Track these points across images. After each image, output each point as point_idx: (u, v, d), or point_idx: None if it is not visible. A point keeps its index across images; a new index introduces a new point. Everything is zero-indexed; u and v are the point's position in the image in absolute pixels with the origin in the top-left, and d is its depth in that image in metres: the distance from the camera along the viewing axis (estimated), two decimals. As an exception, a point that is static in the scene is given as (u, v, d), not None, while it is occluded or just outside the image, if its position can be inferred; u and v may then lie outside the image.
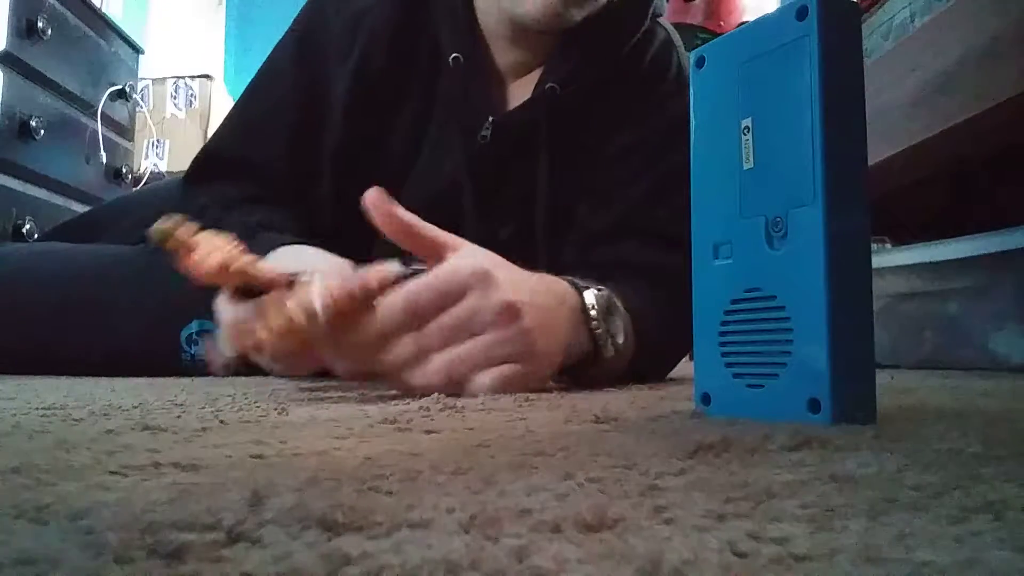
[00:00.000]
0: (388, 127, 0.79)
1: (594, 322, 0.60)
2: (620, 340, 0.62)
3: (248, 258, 0.53)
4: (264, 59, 0.86)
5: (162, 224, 0.51)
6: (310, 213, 0.78)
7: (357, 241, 0.70)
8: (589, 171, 0.78)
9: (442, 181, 0.77)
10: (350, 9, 0.80)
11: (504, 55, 0.78)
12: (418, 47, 0.78)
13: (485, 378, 0.51)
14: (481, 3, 0.78)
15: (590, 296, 0.61)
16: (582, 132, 0.78)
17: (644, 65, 0.79)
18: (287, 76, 0.82)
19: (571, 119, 0.77)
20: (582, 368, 0.62)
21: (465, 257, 0.54)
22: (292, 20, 0.86)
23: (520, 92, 0.78)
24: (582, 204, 0.77)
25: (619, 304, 0.63)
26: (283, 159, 0.80)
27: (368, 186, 0.60)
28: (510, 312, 0.52)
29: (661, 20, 0.83)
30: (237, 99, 0.87)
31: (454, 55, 0.75)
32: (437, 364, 0.50)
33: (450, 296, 0.51)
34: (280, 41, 0.85)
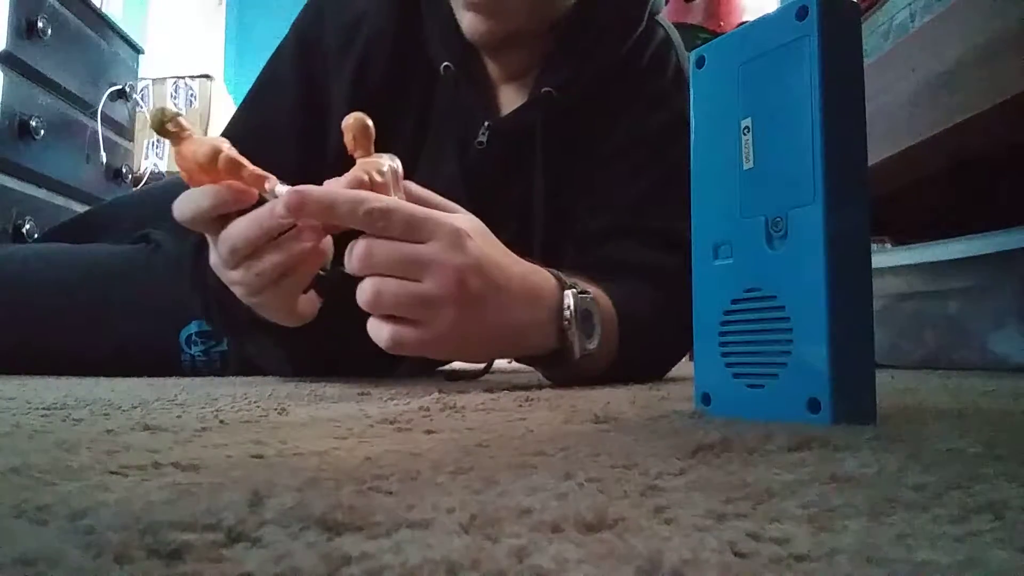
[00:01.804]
0: (387, 135, 0.79)
1: (566, 322, 0.60)
2: (591, 346, 0.62)
3: (236, 153, 0.54)
4: (265, 60, 0.86)
5: (161, 108, 0.52)
6: None
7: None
8: (587, 171, 0.78)
9: (440, 187, 0.78)
10: (348, 13, 0.80)
11: (495, 62, 0.78)
12: (413, 56, 0.78)
13: (385, 331, 0.52)
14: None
15: (569, 298, 0.61)
16: (579, 132, 0.77)
17: (642, 65, 0.79)
18: (288, 81, 0.82)
19: (568, 120, 0.76)
20: (548, 364, 0.63)
21: (453, 212, 0.55)
22: (292, 22, 0.86)
23: (516, 96, 0.78)
24: (580, 205, 0.77)
25: (600, 307, 0.63)
26: (285, 165, 0.80)
27: None
28: (457, 279, 0.52)
29: (660, 18, 0.83)
30: (241, 102, 0.88)
31: (445, 63, 0.75)
32: (367, 286, 0.51)
33: (415, 228, 0.51)
34: (280, 45, 0.85)
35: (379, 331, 0.52)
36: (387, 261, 0.50)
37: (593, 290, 0.64)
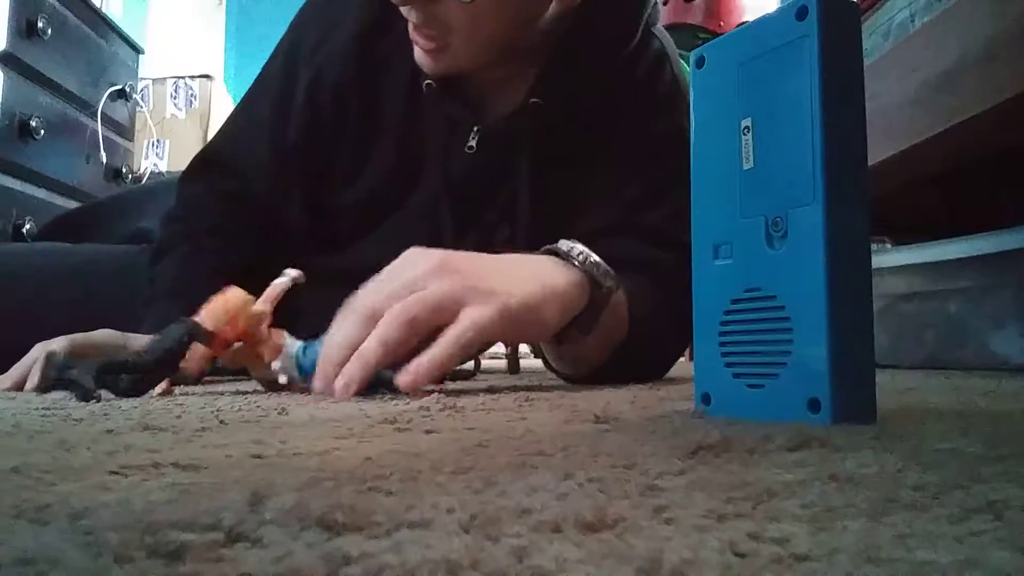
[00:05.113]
0: (358, 145, 0.81)
1: (578, 258, 0.59)
2: (612, 283, 0.61)
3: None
4: (265, 59, 0.89)
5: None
6: (285, 216, 0.85)
7: (331, 243, 0.81)
8: (576, 180, 0.78)
9: (421, 198, 0.79)
10: (323, 24, 0.84)
11: (481, 73, 0.78)
12: (382, 73, 0.79)
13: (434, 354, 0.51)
14: None
15: (564, 244, 0.61)
16: (570, 141, 0.77)
17: (636, 77, 0.78)
18: (273, 85, 0.86)
19: (558, 128, 0.76)
20: (588, 316, 0.61)
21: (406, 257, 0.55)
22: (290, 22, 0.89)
23: (504, 101, 0.78)
24: (568, 211, 0.77)
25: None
26: (262, 164, 0.85)
27: (343, 198, 0.75)
28: (443, 268, 0.53)
29: (656, 30, 0.82)
30: (241, 97, 0.92)
31: (427, 82, 0.75)
32: (419, 367, 0.50)
33: (400, 282, 0.52)
34: (275, 48, 0.89)
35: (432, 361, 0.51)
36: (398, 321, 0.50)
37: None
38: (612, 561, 0.14)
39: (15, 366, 0.63)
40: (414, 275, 0.53)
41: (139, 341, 0.67)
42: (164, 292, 0.78)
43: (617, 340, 0.66)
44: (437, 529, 0.16)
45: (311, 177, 0.84)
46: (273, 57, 0.88)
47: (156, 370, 0.52)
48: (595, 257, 0.61)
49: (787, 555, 0.14)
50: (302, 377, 0.55)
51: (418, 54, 0.71)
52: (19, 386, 0.61)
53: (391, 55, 0.79)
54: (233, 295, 0.55)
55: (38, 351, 0.63)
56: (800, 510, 0.18)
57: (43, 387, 0.52)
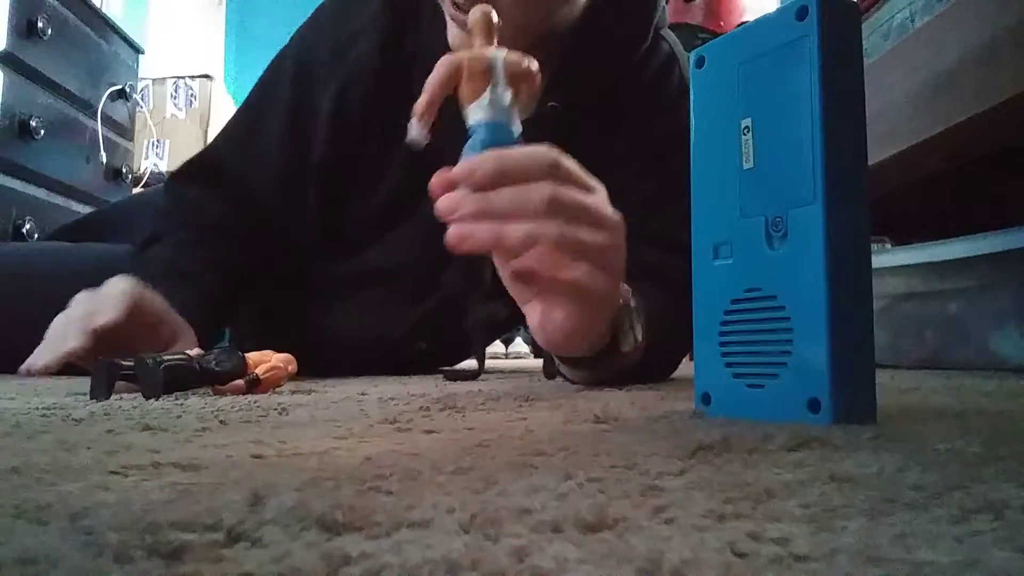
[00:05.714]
0: (382, 153, 0.81)
1: (627, 315, 0.58)
2: (638, 336, 0.60)
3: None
4: (264, 60, 0.89)
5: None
6: (297, 227, 0.85)
7: (340, 249, 0.79)
8: None
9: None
10: (344, 28, 0.83)
11: None
12: (406, 78, 0.79)
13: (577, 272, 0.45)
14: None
15: (626, 288, 0.59)
16: (579, 142, 0.77)
17: (645, 79, 0.79)
18: (282, 100, 0.85)
19: (568, 130, 0.76)
20: (598, 360, 0.59)
21: None
22: (293, 29, 0.88)
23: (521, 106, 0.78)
24: None
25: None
26: (277, 181, 0.85)
27: (360, 207, 0.74)
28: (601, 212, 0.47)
29: (664, 32, 0.82)
30: (239, 108, 0.92)
31: None
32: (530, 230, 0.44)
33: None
34: (278, 55, 0.88)
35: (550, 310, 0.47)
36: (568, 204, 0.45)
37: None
38: (612, 561, 0.14)
39: (42, 344, 0.61)
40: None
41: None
42: (159, 274, 0.74)
43: (635, 360, 0.66)
44: (437, 529, 0.16)
45: (331, 191, 0.83)
46: (278, 69, 0.86)
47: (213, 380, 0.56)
48: (638, 322, 0.59)
49: (787, 555, 0.14)
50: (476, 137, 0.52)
51: (453, 35, 0.70)
52: (58, 362, 0.59)
53: (410, 63, 0.79)
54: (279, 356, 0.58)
55: (59, 325, 0.62)
56: (800, 510, 0.18)
57: (105, 394, 0.52)
